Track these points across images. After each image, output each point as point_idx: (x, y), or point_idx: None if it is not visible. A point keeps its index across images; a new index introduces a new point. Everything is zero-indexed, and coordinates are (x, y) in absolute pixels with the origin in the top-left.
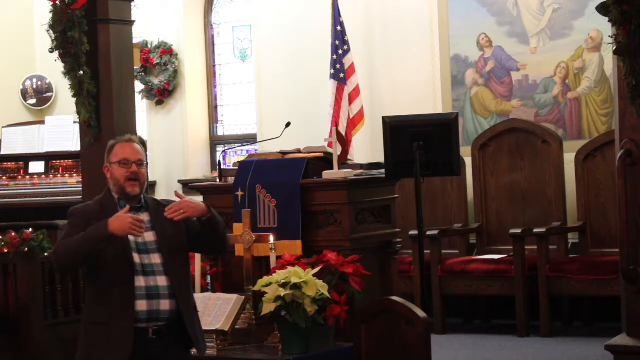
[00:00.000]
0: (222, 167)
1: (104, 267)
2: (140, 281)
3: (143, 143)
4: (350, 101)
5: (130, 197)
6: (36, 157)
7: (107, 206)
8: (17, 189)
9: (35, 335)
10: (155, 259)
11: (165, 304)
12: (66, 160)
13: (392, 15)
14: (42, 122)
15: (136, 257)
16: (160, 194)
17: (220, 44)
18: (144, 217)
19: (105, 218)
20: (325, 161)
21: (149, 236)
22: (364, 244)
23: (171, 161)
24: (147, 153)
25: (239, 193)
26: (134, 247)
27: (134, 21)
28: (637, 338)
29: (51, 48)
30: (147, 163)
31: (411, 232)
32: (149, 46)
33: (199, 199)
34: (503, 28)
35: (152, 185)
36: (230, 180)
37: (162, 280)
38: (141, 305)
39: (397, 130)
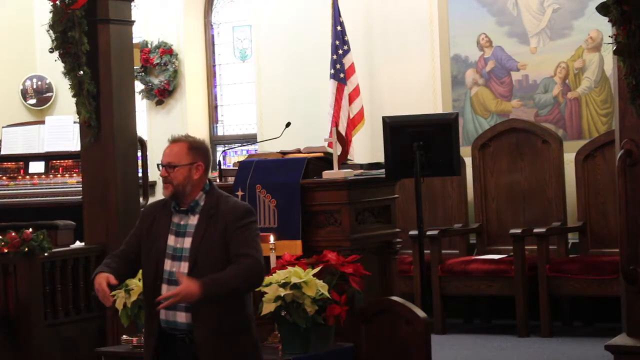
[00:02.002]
0: (222, 167)
1: (143, 270)
2: (163, 289)
3: (142, 143)
4: (350, 101)
5: (173, 199)
6: (36, 157)
7: (166, 207)
8: (17, 189)
9: (35, 335)
10: (184, 267)
11: (181, 317)
12: (66, 160)
13: (392, 15)
14: (42, 122)
15: (167, 264)
16: (159, 195)
17: (220, 44)
18: (192, 220)
19: (158, 219)
20: (325, 161)
21: (187, 242)
22: (364, 244)
23: None
24: (146, 153)
25: (239, 193)
26: (169, 252)
27: (134, 21)
28: (637, 338)
29: (51, 48)
30: (184, 165)
31: (411, 232)
32: (149, 46)
33: None
34: (503, 28)
35: (152, 185)
36: (230, 180)
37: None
38: (160, 313)
39: (397, 130)
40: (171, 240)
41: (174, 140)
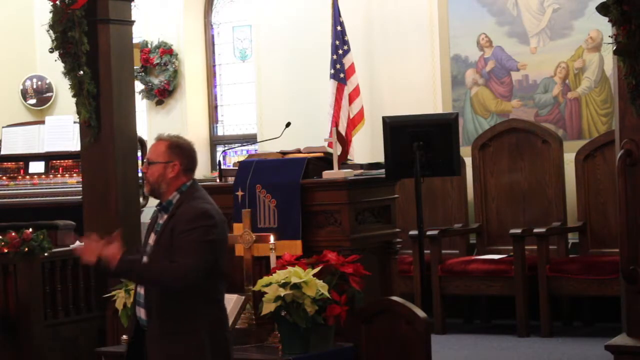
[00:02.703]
0: (222, 167)
1: None
2: (139, 286)
3: (142, 143)
4: (350, 101)
5: (151, 195)
6: (36, 157)
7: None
8: (17, 189)
9: (35, 335)
10: None
11: (142, 313)
12: (66, 160)
13: (392, 15)
14: (42, 122)
15: (145, 260)
16: None
17: (220, 44)
18: (164, 219)
19: (154, 219)
20: (325, 161)
21: (154, 240)
22: (364, 244)
23: None
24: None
25: (239, 193)
26: (147, 250)
27: (134, 21)
28: (637, 338)
29: (51, 48)
30: (159, 162)
31: (411, 232)
32: (149, 46)
33: None
34: (503, 28)
35: None
36: (230, 180)
37: (142, 288)
38: (136, 310)
39: (397, 130)
40: (150, 238)
41: (158, 139)
